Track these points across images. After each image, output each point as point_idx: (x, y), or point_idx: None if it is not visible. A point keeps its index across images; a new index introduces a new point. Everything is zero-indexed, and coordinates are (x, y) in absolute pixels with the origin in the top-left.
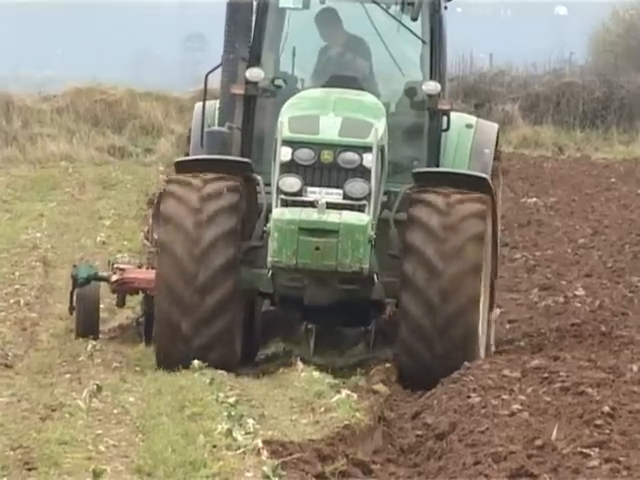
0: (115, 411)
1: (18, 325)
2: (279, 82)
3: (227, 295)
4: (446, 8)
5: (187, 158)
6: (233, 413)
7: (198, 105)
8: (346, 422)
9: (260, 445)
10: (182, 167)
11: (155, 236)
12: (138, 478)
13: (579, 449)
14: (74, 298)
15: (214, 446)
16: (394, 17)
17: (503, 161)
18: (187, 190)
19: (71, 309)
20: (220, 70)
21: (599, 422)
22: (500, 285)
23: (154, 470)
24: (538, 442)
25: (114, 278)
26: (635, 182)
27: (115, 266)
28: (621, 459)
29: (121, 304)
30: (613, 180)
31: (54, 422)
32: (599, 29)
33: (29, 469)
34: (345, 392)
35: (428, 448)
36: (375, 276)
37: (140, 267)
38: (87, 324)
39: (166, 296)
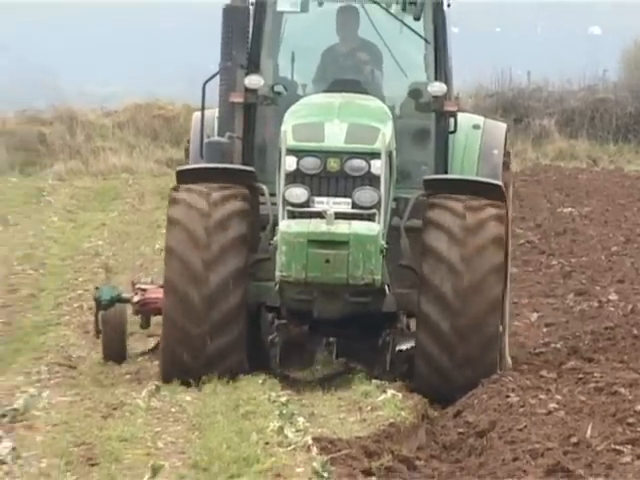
0: (173, 410)
1: (81, 328)
2: (279, 88)
3: (236, 306)
4: (449, 6)
5: (189, 167)
6: (284, 412)
7: (196, 115)
8: (391, 420)
9: (310, 442)
10: (183, 177)
11: None
12: (194, 473)
13: (612, 446)
14: (99, 322)
15: (266, 443)
16: (396, 17)
17: (540, 174)
18: (196, 195)
19: (97, 333)
20: (218, 78)
21: (631, 420)
22: (537, 290)
23: (210, 466)
24: (573, 439)
25: (136, 299)
26: None
27: (137, 287)
28: None
29: (145, 325)
30: None
31: (115, 420)
32: (631, 48)
33: (92, 464)
34: (390, 392)
35: (469, 445)
36: (387, 288)
37: (162, 287)
38: (114, 348)
39: (174, 304)
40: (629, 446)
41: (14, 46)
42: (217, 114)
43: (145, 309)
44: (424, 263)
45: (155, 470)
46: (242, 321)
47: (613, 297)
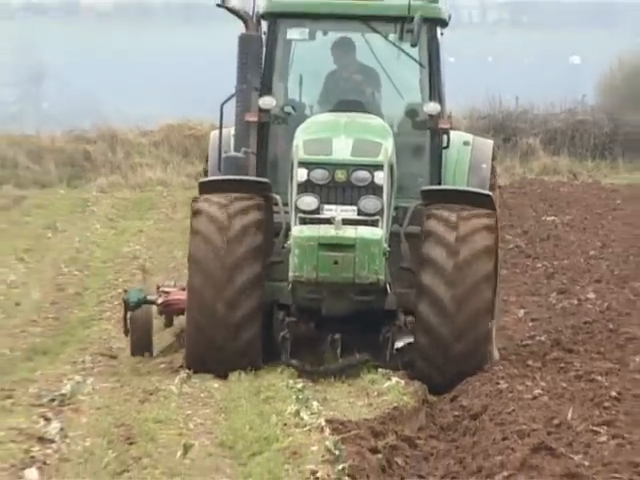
0: (202, 395)
1: (121, 323)
2: (289, 109)
3: (254, 308)
4: (442, 34)
5: (210, 179)
6: (300, 397)
7: (214, 133)
8: (395, 404)
9: (323, 423)
10: (205, 188)
11: None
12: (221, 451)
13: (590, 427)
14: (127, 322)
15: (285, 424)
16: (394, 44)
17: (526, 187)
18: (216, 207)
19: (126, 331)
20: (234, 100)
21: (607, 404)
22: (524, 290)
23: (234, 444)
24: (556, 421)
25: (160, 301)
26: (638, 203)
27: (161, 289)
28: (626, 436)
29: (169, 324)
30: (619, 202)
31: (151, 404)
32: (607, 75)
33: (130, 443)
34: (394, 379)
35: (464, 426)
36: (388, 287)
37: (184, 289)
38: (141, 345)
39: (197, 308)
40: (605, 427)
41: (63, 74)
42: (233, 132)
43: (168, 310)
44: (422, 271)
45: (186, 448)
46: (258, 323)
47: (591, 295)
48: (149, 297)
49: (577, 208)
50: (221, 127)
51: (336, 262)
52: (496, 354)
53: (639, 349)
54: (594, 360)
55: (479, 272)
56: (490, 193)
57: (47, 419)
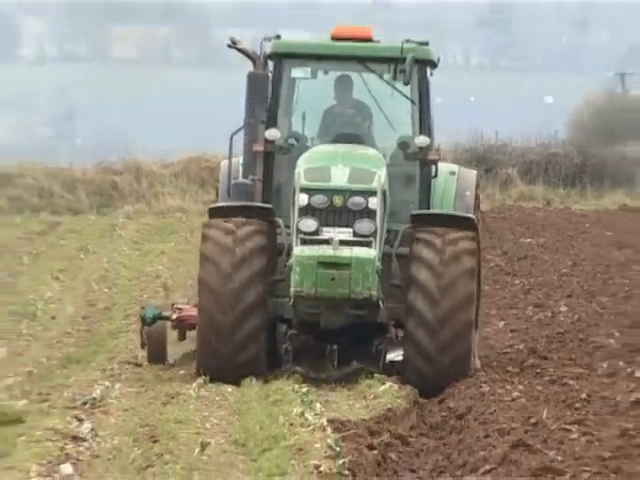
0: (217, 398)
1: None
2: (292, 141)
3: (258, 326)
4: (432, 74)
5: (219, 204)
6: (305, 400)
7: (224, 162)
8: (389, 406)
9: (325, 423)
10: (215, 213)
11: None
12: (234, 448)
13: (563, 426)
14: (144, 336)
15: (291, 424)
16: (389, 83)
17: (505, 212)
18: (222, 233)
19: (142, 344)
20: (243, 131)
21: (578, 405)
22: (504, 304)
23: (246, 442)
24: (532, 420)
25: (174, 317)
26: (604, 227)
27: (175, 306)
28: (594, 433)
29: (182, 338)
30: (587, 225)
31: (172, 406)
32: (576, 113)
33: (154, 441)
34: (389, 384)
35: (450, 425)
36: (380, 302)
37: (196, 306)
38: (156, 357)
39: (206, 326)
40: (576, 425)
41: (93, 113)
42: (241, 161)
43: (182, 325)
44: (409, 291)
45: (203, 446)
46: (262, 339)
47: (563, 309)
48: (164, 313)
49: (550, 231)
50: (230, 156)
51: (333, 279)
52: (477, 363)
53: (606, 356)
54: (566, 366)
55: (461, 293)
56: (473, 216)
57: (80, 420)
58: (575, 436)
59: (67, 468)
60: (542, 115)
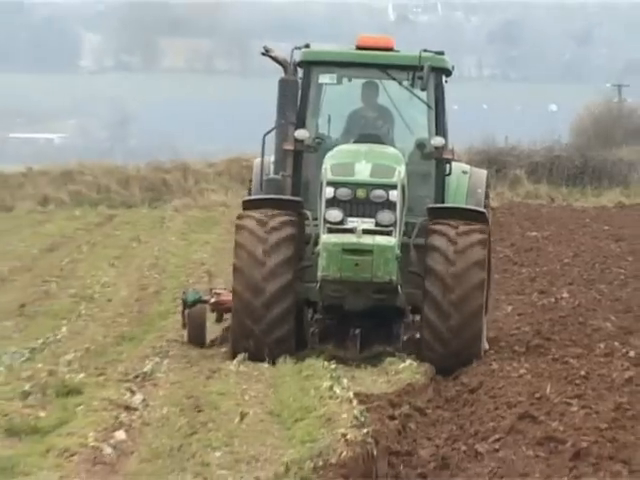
0: (255, 373)
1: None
2: (318, 140)
3: (287, 308)
4: (446, 81)
5: (253, 197)
6: (333, 375)
7: (257, 160)
8: (409, 381)
9: (352, 396)
10: (249, 205)
11: None
12: (270, 418)
13: (564, 399)
14: (185, 317)
15: (321, 397)
16: (407, 89)
17: (514, 208)
18: (255, 223)
19: (184, 325)
20: (275, 132)
21: (578, 382)
22: (512, 290)
23: (281, 412)
24: (537, 395)
25: (212, 300)
26: (602, 222)
27: (213, 291)
28: (592, 406)
29: (219, 320)
30: (587, 220)
31: (215, 380)
32: (578, 119)
33: (198, 411)
34: (408, 361)
35: (464, 399)
36: (399, 288)
37: (232, 291)
38: (196, 337)
39: (241, 308)
40: (576, 399)
41: (145, 118)
42: (272, 158)
43: (219, 308)
44: (425, 279)
45: (243, 415)
46: (290, 321)
47: (565, 295)
48: (204, 297)
49: (554, 225)
50: (263, 154)
51: (357, 264)
52: (485, 345)
53: (603, 338)
54: (567, 346)
55: (473, 280)
56: (484, 210)
57: (132, 392)
58: (575, 409)
59: (121, 434)
60: (547, 121)
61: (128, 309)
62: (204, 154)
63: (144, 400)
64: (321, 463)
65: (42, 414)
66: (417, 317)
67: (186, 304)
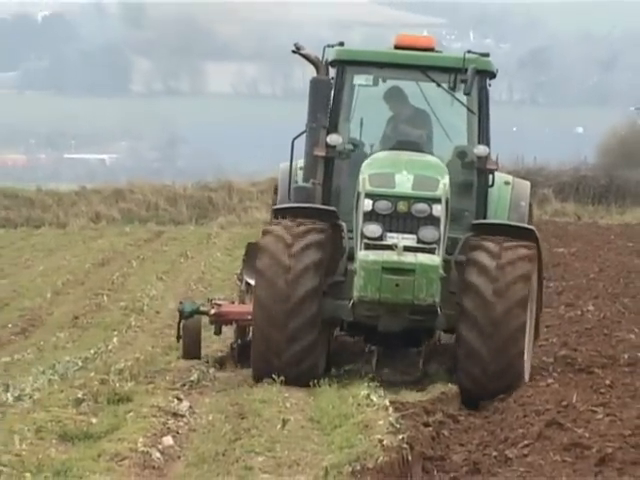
0: None
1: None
2: (349, 146)
3: (311, 318)
4: (490, 85)
5: (283, 206)
6: (370, 384)
7: (283, 165)
8: (442, 390)
9: (388, 404)
10: (279, 214)
11: (245, 277)
12: (310, 424)
13: (590, 407)
14: (180, 329)
15: (359, 404)
16: (449, 92)
17: (542, 226)
18: (281, 229)
19: (178, 337)
20: (305, 136)
21: (603, 390)
22: None
23: (320, 419)
24: (564, 403)
25: (212, 312)
26: (626, 238)
27: (213, 302)
28: (617, 414)
29: (218, 333)
30: (612, 237)
31: (258, 388)
32: (603, 141)
33: (242, 418)
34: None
35: (494, 406)
36: (439, 309)
37: (233, 303)
38: (190, 350)
39: (262, 315)
40: (601, 407)
41: (192, 139)
42: (300, 164)
43: (219, 320)
44: (463, 295)
45: (284, 422)
46: (315, 332)
47: (591, 308)
48: (202, 308)
49: (580, 242)
50: (292, 160)
51: (397, 285)
52: (527, 375)
53: (627, 349)
54: (593, 357)
55: (515, 297)
56: (533, 228)
57: (179, 399)
58: (600, 416)
59: (168, 440)
60: (574, 143)
61: (176, 321)
62: (248, 174)
63: (191, 407)
64: (359, 468)
65: (94, 420)
66: (445, 337)
67: (182, 315)
